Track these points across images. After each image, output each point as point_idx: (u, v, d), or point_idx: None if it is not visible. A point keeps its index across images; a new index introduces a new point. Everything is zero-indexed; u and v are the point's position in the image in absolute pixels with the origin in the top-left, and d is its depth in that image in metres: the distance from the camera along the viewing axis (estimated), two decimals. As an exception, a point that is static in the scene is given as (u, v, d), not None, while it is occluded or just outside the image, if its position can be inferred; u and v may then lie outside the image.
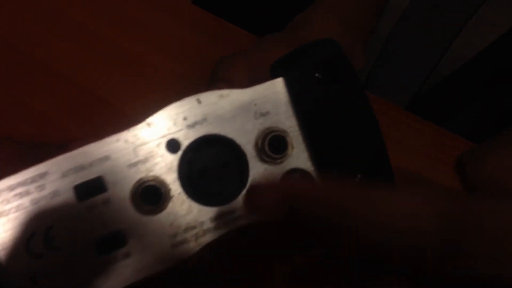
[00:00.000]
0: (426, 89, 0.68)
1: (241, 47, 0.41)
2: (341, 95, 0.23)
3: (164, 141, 0.22)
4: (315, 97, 0.22)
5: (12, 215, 0.20)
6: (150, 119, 0.22)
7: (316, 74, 0.23)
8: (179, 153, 0.22)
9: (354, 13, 0.40)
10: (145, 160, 0.22)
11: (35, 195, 0.21)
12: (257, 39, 0.42)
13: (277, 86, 0.23)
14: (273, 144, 0.22)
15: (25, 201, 0.20)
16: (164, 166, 0.22)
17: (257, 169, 0.22)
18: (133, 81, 0.40)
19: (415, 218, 0.16)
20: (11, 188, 0.20)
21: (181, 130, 0.22)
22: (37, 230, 0.20)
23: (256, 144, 0.22)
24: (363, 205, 0.16)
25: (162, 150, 0.22)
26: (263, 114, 0.22)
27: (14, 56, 0.40)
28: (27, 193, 0.21)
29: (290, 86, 0.23)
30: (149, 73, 0.40)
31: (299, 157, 0.22)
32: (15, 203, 0.20)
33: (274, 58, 0.31)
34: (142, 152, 0.22)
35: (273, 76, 0.25)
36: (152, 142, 0.22)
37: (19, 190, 0.20)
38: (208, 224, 0.22)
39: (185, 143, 0.22)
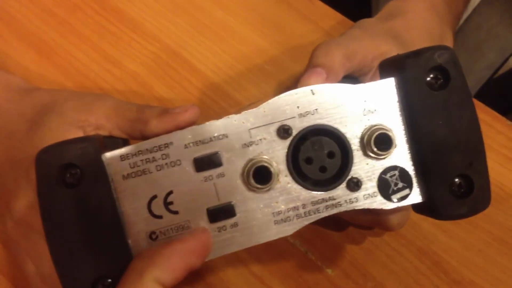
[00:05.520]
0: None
1: (328, 28, 0.41)
2: (448, 102, 0.23)
3: (276, 127, 0.23)
4: (423, 100, 0.23)
5: (139, 178, 0.23)
6: (264, 105, 0.23)
7: (428, 78, 0.23)
8: (289, 139, 0.23)
9: (445, 1, 0.40)
10: (257, 142, 0.23)
11: (160, 162, 0.23)
12: (345, 21, 0.42)
13: (387, 86, 0.24)
14: (378, 141, 0.23)
15: (151, 166, 0.23)
16: (274, 150, 0.23)
17: (359, 162, 0.24)
18: (218, 48, 0.41)
19: None
20: (140, 153, 0.23)
21: (293, 117, 0.23)
22: (159, 193, 0.23)
23: (362, 139, 0.23)
24: None
25: (274, 135, 0.23)
26: (372, 111, 0.24)
27: (108, 13, 0.42)
28: (153, 159, 0.23)
29: (400, 87, 0.24)
30: (234, 42, 0.41)
31: (400, 156, 0.24)
32: (142, 167, 0.23)
33: (370, 49, 0.32)
34: (256, 134, 0.23)
35: (382, 74, 0.26)
36: (265, 126, 0.23)
37: (146, 156, 0.23)
38: (310, 207, 0.23)
39: (295, 130, 0.23)
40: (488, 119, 0.39)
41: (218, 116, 0.23)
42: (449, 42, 0.38)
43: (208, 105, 0.39)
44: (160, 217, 0.23)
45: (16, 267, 0.34)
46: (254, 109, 0.23)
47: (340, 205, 0.24)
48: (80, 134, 0.30)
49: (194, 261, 0.22)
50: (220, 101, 0.39)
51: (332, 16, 0.42)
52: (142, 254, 0.22)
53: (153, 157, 0.23)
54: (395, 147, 0.24)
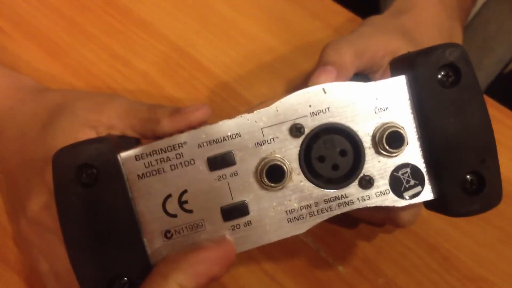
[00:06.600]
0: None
1: (337, 25, 0.41)
2: (460, 99, 0.23)
3: (288, 125, 0.23)
4: (435, 98, 0.23)
5: (153, 177, 0.23)
6: (277, 103, 0.23)
7: (439, 76, 0.23)
8: (302, 138, 0.24)
9: None
10: (270, 141, 0.23)
11: (174, 161, 0.23)
12: (354, 18, 0.42)
13: (398, 84, 0.24)
14: (390, 138, 0.23)
15: (165, 165, 0.23)
16: (287, 149, 0.23)
17: (371, 160, 0.24)
18: (227, 46, 0.41)
19: None
20: (154, 152, 0.23)
21: (305, 116, 0.23)
22: (173, 192, 0.23)
23: (374, 137, 0.24)
24: None
25: (286, 133, 0.23)
26: (383, 109, 0.24)
27: (116, 12, 0.42)
28: (167, 158, 0.23)
29: (412, 85, 0.24)
30: (243, 41, 0.41)
31: (412, 153, 0.24)
32: (156, 167, 0.23)
33: (380, 46, 0.32)
34: (268, 133, 0.23)
35: (393, 72, 0.26)
36: (278, 125, 0.23)
37: (161, 155, 0.23)
38: (322, 205, 0.24)
39: (307, 129, 0.23)
40: (498, 114, 0.39)
41: (230, 115, 0.24)
42: (458, 37, 0.37)
43: (218, 103, 0.39)
44: (174, 216, 0.23)
45: (30, 266, 0.34)
46: (267, 108, 0.23)
47: (353, 202, 0.24)
48: (92, 134, 0.30)
49: (218, 270, 0.22)
50: (230, 99, 0.39)
51: (341, 13, 0.42)
52: (168, 258, 0.22)
53: (168, 157, 0.23)
54: (407, 144, 0.24)
